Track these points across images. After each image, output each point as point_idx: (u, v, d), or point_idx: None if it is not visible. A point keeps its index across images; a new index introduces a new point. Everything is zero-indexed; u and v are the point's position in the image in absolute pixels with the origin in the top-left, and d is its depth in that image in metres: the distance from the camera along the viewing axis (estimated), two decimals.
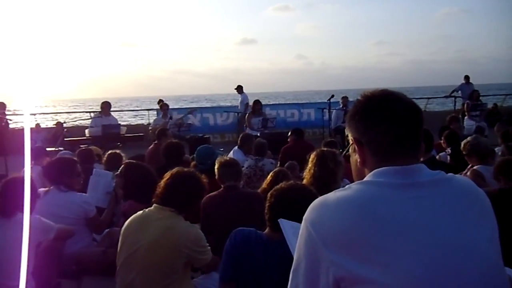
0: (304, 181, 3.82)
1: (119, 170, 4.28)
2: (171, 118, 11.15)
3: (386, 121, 1.20)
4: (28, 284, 3.12)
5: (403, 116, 1.21)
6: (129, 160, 4.70)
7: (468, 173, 4.26)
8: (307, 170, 3.81)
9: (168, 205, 2.78)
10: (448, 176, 1.20)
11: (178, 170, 2.94)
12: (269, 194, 2.50)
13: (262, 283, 2.36)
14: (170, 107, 12.59)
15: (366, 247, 1.06)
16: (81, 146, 9.19)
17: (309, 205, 2.36)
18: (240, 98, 13.20)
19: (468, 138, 4.63)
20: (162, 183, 2.89)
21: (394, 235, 1.07)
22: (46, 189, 3.88)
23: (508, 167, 3.48)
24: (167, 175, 2.93)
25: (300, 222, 2.24)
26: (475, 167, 4.28)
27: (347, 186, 1.19)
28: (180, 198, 2.80)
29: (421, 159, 4.67)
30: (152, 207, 2.83)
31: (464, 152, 4.48)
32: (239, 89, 13.11)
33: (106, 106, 10.04)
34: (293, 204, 2.34)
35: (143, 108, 14.66)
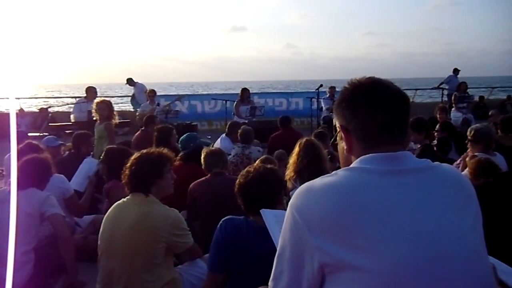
0: (289, 168, 3.85)
1: (101, 157, 4.27)
2: (158, 104, 11.06)
3: (372, 108, 1.19)
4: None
5: (390, 103, 1.20)
6: (109, 146, 4.69)
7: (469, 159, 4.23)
8: (292, 158, 3.84)
9: (137, 191, 2.79)
10: (434, 164, 1.20)
11: (133, 157, 2.94)
12: (237, 182, 2.52)
13: (255, 271, 2.33)
14: (158, 94, 12.49)
15: (351, 233, 1.06)
16: (66, 131, 9.09)
17: (275, 185, 2.42)
18: (134, 90, 13.03)
19: (478, 125, 4.67)
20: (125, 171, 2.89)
21: (379, 222, 1.06)
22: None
23: (486, 167, 3.54)
24: None
25: (267, 202, 2.27)
26: (477, 154, 4.26)
27: (333, 173, 1.17)
28: (139, 180, 2.79)
29: (418, 146, 4.64)
30: (129, 195, 2.84)
31: (470, 138, 4.49)
32: (130, 81, 12.88)
33: (91, 90, 9.87)
34: (259, 185, 2.41)
35: (128, 95, 14.45)
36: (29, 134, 8.21)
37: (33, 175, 3.43)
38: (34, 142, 4.74)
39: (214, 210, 3.44)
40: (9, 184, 3.53)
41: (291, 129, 7.25)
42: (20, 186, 3.20)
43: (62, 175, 4.12)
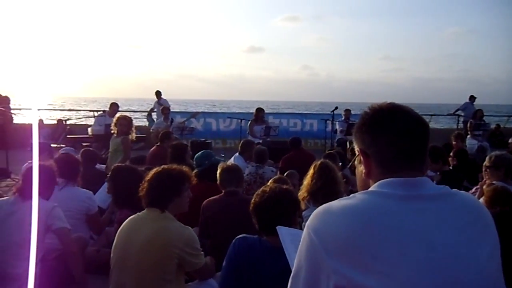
0: (303, 189, 3.85)
1: (108, 175, 4.28)
2: (172, 121, 11.15)
3: (392, 133, 1.21)
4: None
5: (410, 129, 1.21)
6: (118, 164, 4.68)
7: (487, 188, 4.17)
8: (306, 179, 3.85)
9: (153, 206, 2.79)
10: (452, 191, 1.20)
11: (153, 171, 2.94)
12: (252, 201, 2.53)
13: None
14: (172, 110, 12.63)
15: (367, 256, 1.06)
16: (83, 144, 9.22)
17: (290, 206, 2.43)
18: (156, 104, 13.15)
19: (498, 152, 4.61)
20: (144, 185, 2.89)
21: (396, 246, 1.07)
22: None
23: (502, 195, 3.48)
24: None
25: (282, 222, 2.27)
26: (495, 182, 4.21)
27: (351, 195, 1.19)
28: (157, 196, 2.80)
29: (437, 172, 4.59)
30: (144, 210, 2.84)
31: (489, 164, 4.43)
32: (158, 94, 13.06)
33: (114, 107, 10.15)
34: (274, 205, 2.41)
35: (144, 110, 14.64)
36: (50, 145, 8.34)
37: (38, 183, 3.41)
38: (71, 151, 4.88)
39: (226, 230, 3.44)
40: (14, 193, 3.43)
41: (302, 150, 7.25)
42: (26, 196, 3.17)
43: (90, 191, 4.13)
